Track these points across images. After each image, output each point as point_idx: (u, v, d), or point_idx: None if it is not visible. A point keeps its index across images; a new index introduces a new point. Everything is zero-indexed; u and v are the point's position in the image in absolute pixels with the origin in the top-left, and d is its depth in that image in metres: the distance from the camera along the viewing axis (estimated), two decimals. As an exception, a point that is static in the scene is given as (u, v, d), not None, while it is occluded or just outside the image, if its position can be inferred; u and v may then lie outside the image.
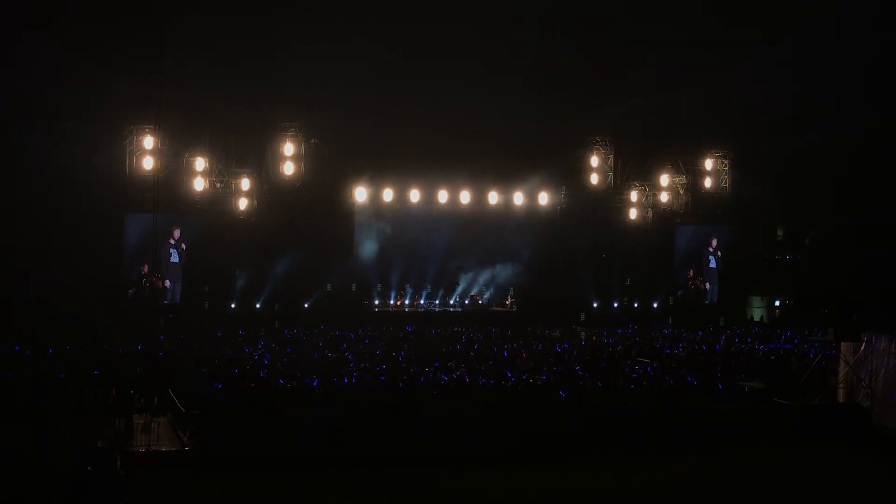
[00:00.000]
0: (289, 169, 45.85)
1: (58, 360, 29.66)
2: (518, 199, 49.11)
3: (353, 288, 46.98)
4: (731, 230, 51.30)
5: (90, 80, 41.04)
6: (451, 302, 49.30)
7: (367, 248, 47.30)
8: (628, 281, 50.14)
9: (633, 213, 50.47)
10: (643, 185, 50.52)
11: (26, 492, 18.97)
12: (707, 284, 51.32)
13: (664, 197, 50.64)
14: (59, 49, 40.45)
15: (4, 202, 40.38)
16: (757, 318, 49.93)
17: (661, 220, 50.93)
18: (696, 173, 50.66)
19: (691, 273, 51.26)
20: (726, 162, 50.42)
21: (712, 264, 51.58)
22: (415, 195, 47.85)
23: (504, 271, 49.31)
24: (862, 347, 28.41)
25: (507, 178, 48.68)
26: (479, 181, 48.37)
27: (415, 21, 45.34)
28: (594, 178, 49.97)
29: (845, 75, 46.52)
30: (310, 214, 45.74)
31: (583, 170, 49.95)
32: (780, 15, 46.56)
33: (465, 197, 48.40)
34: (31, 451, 21.81)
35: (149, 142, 43.40)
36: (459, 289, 49.41)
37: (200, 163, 44.73)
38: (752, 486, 22.05)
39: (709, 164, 50.51)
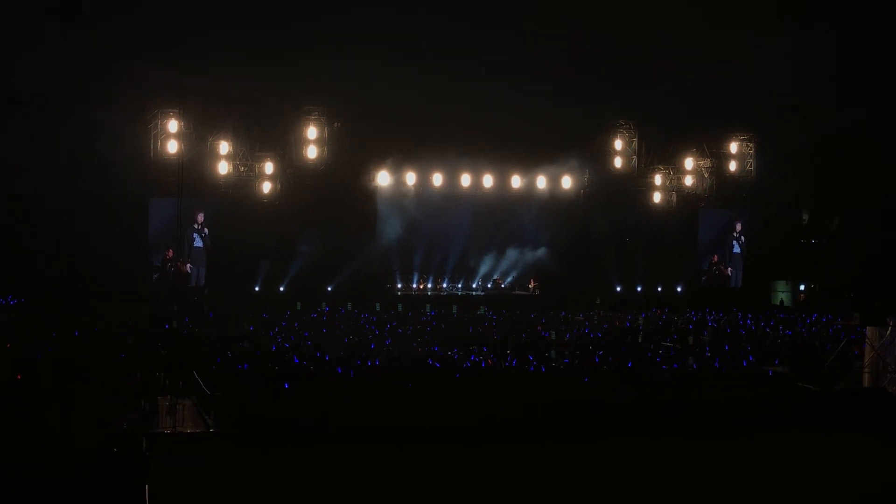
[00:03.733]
0: (312, 153, 45.91)
1: (83, 343, 29.96)
2: (541, 182, 48.91)
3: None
4: (755, 214, 50.89)
5: (116, 66, 41.19)
6: (474, 286, 49.28)
7: (390, 231, 47.31)
8: (652, 265, 49.89)
9: (657, 197, 50.20)
10: (667, 169, 50.23)
11: (50, 472, 19.16)
12: (731, 269, 51.01)
13: (688, 181, 50.34)
14: (85, 35, 40.56)
15: (31, 188, 40.71)
16: (781, 303, 49.64)
17: (685, 203, 50.63)
18: (721, 157, 50.29)
19: (715, 258, 50.96)
20: (751, 145, 50.01)
21: (736, 249, 51.25)
22: (437, 179, 47.75)
23: (527, 255, 49.20)
24: (888, 332, 28.22)
25: (529, 161, 48.49)
26: (502, 165, 48.21)
27: (437, 5, 45.11)
28: (618, 162, 49.68)
29: (857, 67, 45.96)
30: (333, 198, 45.77)
31: (606, 153, 49.67)
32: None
33: (487, 181, 48.25)
34: (55, 433, 22.03)
35: (173, 125, 43.55)
36: (482, 272, 49.38)
37: (224, 146, 44.86)
38: (774, 470, 21.99)
39: (734, 147, 50.14)
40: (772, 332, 37.21)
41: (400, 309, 41.91)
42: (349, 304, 42.20)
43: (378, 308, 41.92)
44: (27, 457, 19.96)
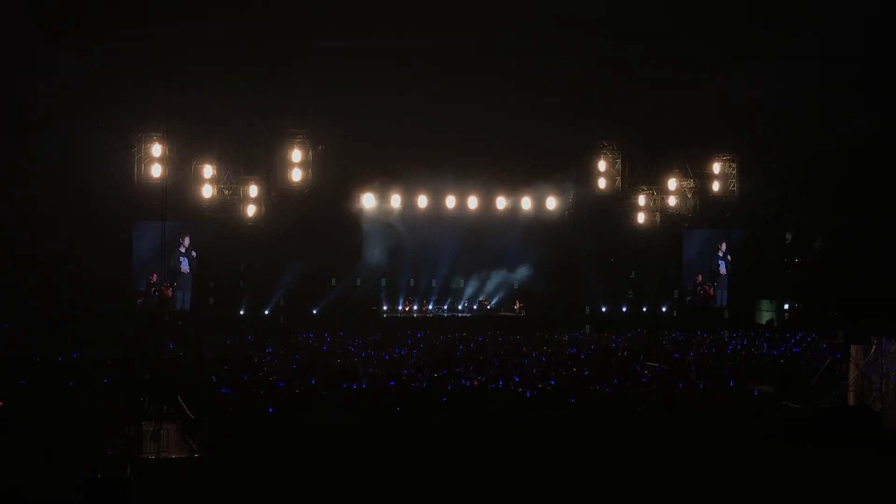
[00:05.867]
0: (297, 175, 45.93)
1: (67, 368, 29.76)
2: (525, 204, 49.05)
3: (359, 283, 47.09)
4: (739, 234, 51.16)
5: (100, 88, 41.12)
6: (460, 307, 49.30)
7: (376, 253, 47.31)
8: (637, 285, 50.07)
9: (640, 218, 50.39)
10: (651, 190, 50.45)
11: (34, 499, 19.01)
12: (715, 289, 51.17)
13: (672, 201, 50.51)
14: (70, 57, 40.49)
15: (15, 208, 40.53)
16: (766, 322, 49.77)
17: (670, 224, 50.84)
18: (704, 177, 50.50)
19: (699, 279, 51.12)
20: (734, 165, 50.28)
21: (721, 268, 51.43)
22: (422, 201, 47.85)
23: (512, 276, 49.31)
24: (872, 350, 28.31)
25: (514, 183, 48.65)
26: (487, 186, 48.36)
27: (422, 28, 45.28)
28: (602, 183, 49.86)
29: (841, 83, 46.30)
30: (318, 221, 45.79)
31: (590, 174, 49.86)
32: (788, 15, 46.30)
33: (472, 202, 48.38)
34: (40, 458, 21.86)
35: (157, 149, 43.50)
36: (467, 294, 49.41)
37: (209, 170, 44.82)
38: (758, 490, 22.00)
39: (717, 167, 50.36)
40: (757, 350, 37.27)
41: (385, 334, 41.77)
42: (335, 328, 42.04)
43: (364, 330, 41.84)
44: (10, 483, 19.79)
